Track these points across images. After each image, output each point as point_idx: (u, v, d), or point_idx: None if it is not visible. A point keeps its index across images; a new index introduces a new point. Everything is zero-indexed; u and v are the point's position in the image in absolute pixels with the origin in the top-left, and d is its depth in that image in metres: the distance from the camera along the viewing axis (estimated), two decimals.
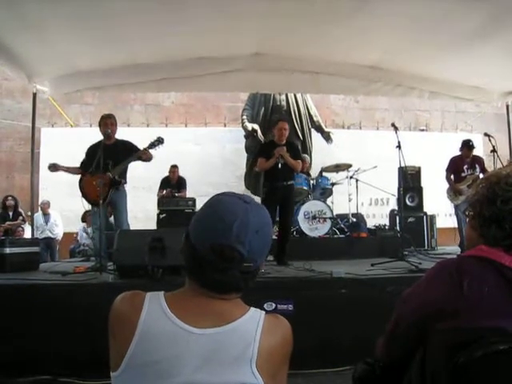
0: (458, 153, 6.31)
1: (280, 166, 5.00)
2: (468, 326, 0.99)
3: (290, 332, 1.05)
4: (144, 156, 4.77)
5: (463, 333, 0.98)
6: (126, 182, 4.96)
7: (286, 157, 5.01)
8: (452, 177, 6.26)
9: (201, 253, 0.99)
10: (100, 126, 4.94)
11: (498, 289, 1.02)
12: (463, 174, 6.17)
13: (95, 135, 4.99)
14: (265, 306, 3.38)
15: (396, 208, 8.01)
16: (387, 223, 7.85)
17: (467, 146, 6.18)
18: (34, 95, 5.98)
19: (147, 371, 0.93)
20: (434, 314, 1.05)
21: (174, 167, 7.69)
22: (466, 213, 1.22)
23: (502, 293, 1.02)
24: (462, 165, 6.21)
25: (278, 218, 5.30)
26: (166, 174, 7.73)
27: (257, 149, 6.17)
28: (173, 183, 7.56)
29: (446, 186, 6.29)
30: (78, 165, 5.02)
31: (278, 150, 5.00)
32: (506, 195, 1.11)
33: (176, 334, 0.96)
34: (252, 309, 1.04)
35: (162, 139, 4.80)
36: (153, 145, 4.77)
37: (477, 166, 6.17)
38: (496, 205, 1.12)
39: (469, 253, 1.16)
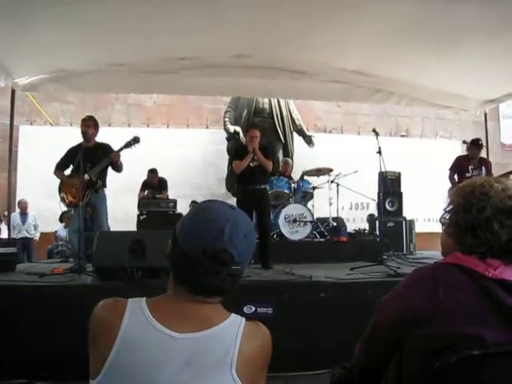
0: (464, 153, 6.13)
1: (253, 166, 5.10)
2: (443, 333, 1.00)
3: (270, 339, 1.07)
4: (115, 159, 4.73)
5: (438, 339, 1.00)
6: (105, 186, 4.92)
7: (258, 154, 5.10)
8: (456, 177, 6.07)
9: (192, 257, 1.00)
10: (80, 127, 4.90)
11: (473, 296, 1.04)
12: (468, 175, 5.90)
13: (75, 135, 4.93)
14: (244, 309, 3.38)
15: (374, 212, 8.10)
16: (367, 227, 7.94)
17: (476, 144, 5.95)
18: (13, 92, 5.87)
19: (127, 377, 0.93)
20: (409, 320, 1.07)
21: (152, 172, 7.56)
22: (442, 221, 1.25)
23: (477, 300, 1.03)
24: (467, 165, 6.00)
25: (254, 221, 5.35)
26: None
27: (231, 154, 6.26)
28: (154, 185, 7.50)
29: (426, 190, 6.24)
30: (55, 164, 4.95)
31: (250, 144, 5.10)
32: (480, 204, 1.14)
33: (157, 338, 0.96)
34: (233, 315, 1.05)
35: (138, 138, 4.76)
36: (129, 144, 4.74)
37: (483, 167, 5.94)
38: (471, 213, 1.14)
39: (445, 260, 1.18)
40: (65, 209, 4.95)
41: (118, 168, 4.85)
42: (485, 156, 6.91)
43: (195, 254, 0.99)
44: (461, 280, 1.07)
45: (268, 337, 1.07)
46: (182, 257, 1.02)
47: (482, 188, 1.16)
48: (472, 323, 1.00)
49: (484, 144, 5.66)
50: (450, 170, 6.18)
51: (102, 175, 4.84)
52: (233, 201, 6.31)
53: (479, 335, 0.98)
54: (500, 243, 1.10)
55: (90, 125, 4.85)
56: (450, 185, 6.12)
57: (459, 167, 6.10)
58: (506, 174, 5.68)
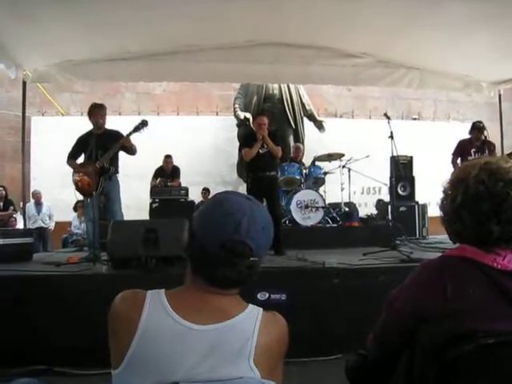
0: (467, 136, 5.98)
1: (262, 153, 5.11)
2: (455, 329, 0.99)
3: (287, 329, 1.09)
4: (126, 144, 4.74)
5: (450, 334, 0.98)
6: (117, 172, 4.94)
7: (267, 140, 5.10)
8: (459, 161, 5.94)
9: (210, 250, 1.00)
10: (90, 114, 4.89)
11: (482, 290, 1.02)
12: (470, 158, 5.71)
13: (86, 124, 4.94)
14: (258, 295, 3.40)
15: (387, 197, 8.04)
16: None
17: (478, 127, 5.83)
18: (24, 84, 5.90)
19: (148, 368, 0.95)
20: (419, 319, 1.06)
21: (168, 157, 7.64)
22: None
23: (487, 294, 1.02)
24: (469, 148, 5.87)
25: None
26: (158, 162, 7.67)
27: (241, 140, 6.28)
28: (167, 173, 7.54)
29: (438, 174, 6.13)
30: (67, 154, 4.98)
31: (259, 132, 5.10)
32: (454, 193, 1.14)
33: (177, 330, 0.98)
34: (250, 305, 1.07)
35: (146, 122, 4.76)
36: (137, 128, 4.74)
37: (486, 150, 5.78)
38: (447, 203, 1.16)
39: (452, 252, 1.16)
40: (80, 197, 4.99)
41: (131, 152, 4.85)
42: (499, 138, 6.80)
43: (213, 247, 1.00)
44: (469, 274, 1.06)
45: (285, 327, 1.09)
46: (199, 250, 1.03)
47: (461, 175, 1.14)
48: (483, 318, 0.99)
49: (486, 126, 5.54)
50: (452, 154, 6.07)
51: (114, 161, 4.85)
52: (244, 187, 6.31)
53: (491, 329, 0.96)
54: (471, 232, 1.09)
55: (104, 114, 4.87)
56: (452, 169, 6.01)
57: (462, 151, 5.98)
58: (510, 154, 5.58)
